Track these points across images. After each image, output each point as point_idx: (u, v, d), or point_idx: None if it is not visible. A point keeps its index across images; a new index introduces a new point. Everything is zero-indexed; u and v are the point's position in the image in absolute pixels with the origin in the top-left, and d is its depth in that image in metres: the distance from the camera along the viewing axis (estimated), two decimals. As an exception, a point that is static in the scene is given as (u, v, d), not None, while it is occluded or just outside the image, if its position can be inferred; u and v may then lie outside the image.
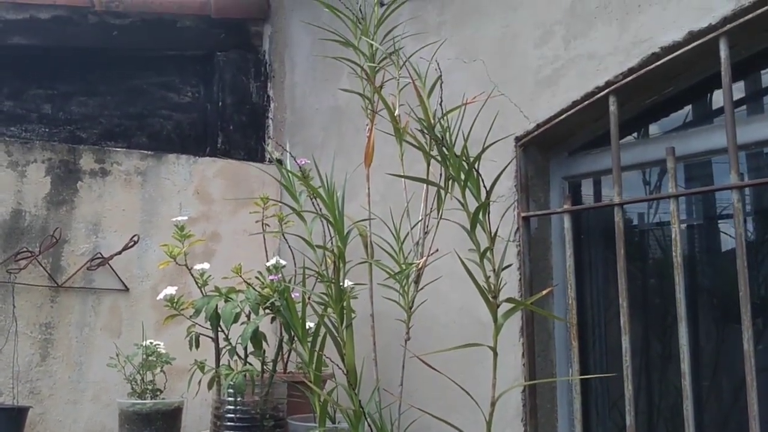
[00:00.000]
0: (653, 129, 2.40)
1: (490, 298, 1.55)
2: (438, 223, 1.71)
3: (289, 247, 2.56)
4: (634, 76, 2.13)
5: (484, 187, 1.57)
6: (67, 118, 3.08)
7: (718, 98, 2.19)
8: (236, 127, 3.43)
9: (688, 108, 2.31)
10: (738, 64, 1.99)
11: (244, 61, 3.50)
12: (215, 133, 3.39)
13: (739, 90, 2.12)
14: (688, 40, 2.02)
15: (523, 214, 2.33)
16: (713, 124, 2.20)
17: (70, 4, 3.03)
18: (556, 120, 2.31)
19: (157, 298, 2.36)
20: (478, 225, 1.57)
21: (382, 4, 2.16)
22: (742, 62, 2.06)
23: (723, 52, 1.93)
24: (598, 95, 2.21)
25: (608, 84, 2.19)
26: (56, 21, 3.00)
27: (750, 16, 1.88)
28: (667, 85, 2.22)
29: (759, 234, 2.17)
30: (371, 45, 1.90)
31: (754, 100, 2.18)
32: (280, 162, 3.35)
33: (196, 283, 2.35)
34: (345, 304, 1.84)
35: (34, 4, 2.95)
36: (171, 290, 2.30)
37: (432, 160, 1.71)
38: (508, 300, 1.59)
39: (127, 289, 2.92)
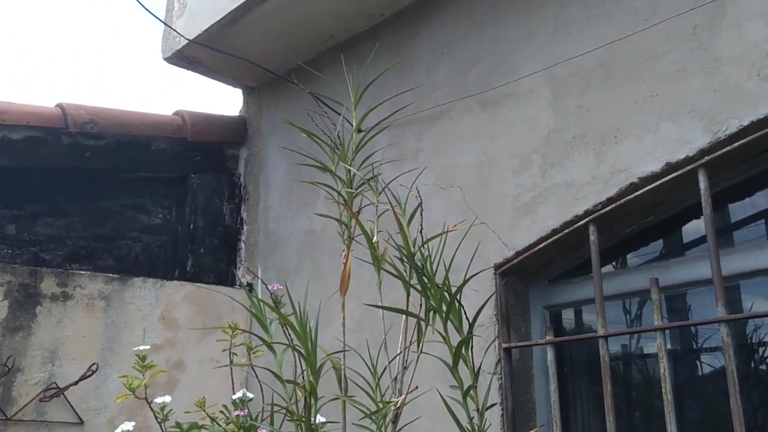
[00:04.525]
0: (633, 259, 2.36)
1: (475, 442, 1.43)
2: (418, 357, 1.61)
3: (257, 379, 2.41)
4: (613, 205, 2.11)
5: (467, 319, 1.49)
6: (31, 239, 2.98)
7: (698, 228, 2.17)
8: (207, 250, 3.35)
9: (669, 238, 2.28)
10: (714, 195, 1.98)
11: (218, 184, 3.47)
12: (185, 256, 3.30)
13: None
14: (666, 171, 2.02)
15: (504, 345, 2.24)
16: (695, 254, 2.17)
17: (44, 125, 2.99)
18: (536, 248, 2.27)
19: (113, 434, 2.18)
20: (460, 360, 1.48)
21: (360, 131, 2.15)
22: (718, 194, 2.05)
23: (702, 184, 1.93)
24: (578, 224, 2.18)
25: (587, 213, 2.16)
26: (28, 141, 2.95)
27: (727, 148, 1.89)
28: (647, 215, 2.21)
29: (742, 366, 2.10)
30: (349, 170, 1.87)
31: (725, 233, 2.16)
32: (250, 287, 3.25)
33: (156, 418, 2.18)
34: (316, 444, 1.69)
35: (7, 124, 2.90)
36: (128, 426, 2.12)
37: (411, 290, 1.63)
38: (494, 443, 1.48)
39: (81, 423, 2.72)
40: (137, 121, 3.24)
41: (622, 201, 2.08)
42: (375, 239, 1.75)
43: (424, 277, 1.51)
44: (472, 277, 1.48)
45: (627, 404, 2.33)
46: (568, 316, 2.48)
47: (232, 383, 2.56)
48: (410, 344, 1.63)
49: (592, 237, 2.13)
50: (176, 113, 3.44)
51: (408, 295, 1.62)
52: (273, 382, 2.00)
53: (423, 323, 1.56)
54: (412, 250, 1.54)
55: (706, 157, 1.93)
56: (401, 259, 1.59)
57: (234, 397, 2.16)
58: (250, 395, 2.17)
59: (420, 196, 1.70)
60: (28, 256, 2.94)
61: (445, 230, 1.59)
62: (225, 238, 3.42)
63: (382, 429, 1.55)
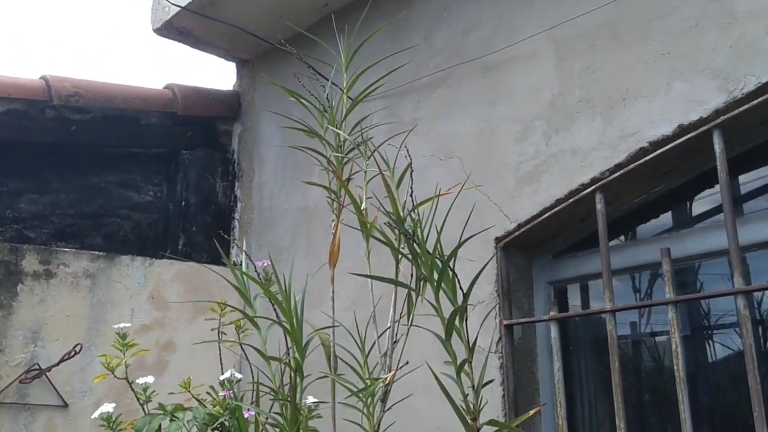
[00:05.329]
0: (643, 231, 2.23)
1: (469, 421, 1.31)
2: (408, 330, 1.48)
3: (247, 359, 2.30)
4: (621, 171, 1.98)
5: (461, 288, 1.37)
6: (14, 217, 2.86)
7: (711, 198, 2.05)
8: (199, 229, 3.22)
9: (680, 208, 2.15)
10: (729, 161, 1.84)
11: (210, 160, 3.34)
12: (176, 235, 3.18)
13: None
14: (678, 134, 1.88)
15: (505, 322, 2.12)
16: (707, 224, 2.04)
17: (27, 98, 2.87)
18: (539, 219, 2.15)
19: (92, 416, 2.07)
20: (454, 333, 1.36)
21: (350, 99, 2.03)
22: (734, 159, 1.92)
23: (718, 146, 1.79)
24: (584, 192, 2.05)
25: (594, 181, 2.03)
26: (11, 114, 2.83)
27: (744, 107, 1.75)
28: (657, 183, 2.08)
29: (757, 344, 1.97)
30: (338, 134, 1.74)
31: (739, 203, 2.02)
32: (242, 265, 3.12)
33: (138, 399, 2.07)
34: (301, 426, 1.58)
35: (-12, 97, 2.79)
36: (108, 407, 2.01)
37: (403, 260, 1.51)
38: (491, 423, 1.36)
39: (65, 405, 2.61)
40: (125, 95, 3.11)
41: (632, 167, 1.95)
42: (363, 206, 1.63)
43: (414, 244, 1.38)
44: (466, 240, 1.35)
45: (636, 387, 2.21)
46: (573, 303, 2.35)
47: (221, 363, 2.45)
48: (400, 317, 1.51)
49: (599, 206, 2.00)
50: (167, 87, 3.31)
51: (397, 263, 1.50)
52: (264, 363, 1.89)
53: (414, 293, 1.44)
54: (401, 214, 1.42)
55: (721, 118, 1.79)
56: (390, 225, 1.47)
57: (221, 377, 2.06)
58: (238, 375, 2.06)
59: (410, 156, 1.57)
60: (12, 233, 2.83)
61: (438, 193, 1.46)
62: (218, 216, 3.30)
63: (370, 408, 1.44)
